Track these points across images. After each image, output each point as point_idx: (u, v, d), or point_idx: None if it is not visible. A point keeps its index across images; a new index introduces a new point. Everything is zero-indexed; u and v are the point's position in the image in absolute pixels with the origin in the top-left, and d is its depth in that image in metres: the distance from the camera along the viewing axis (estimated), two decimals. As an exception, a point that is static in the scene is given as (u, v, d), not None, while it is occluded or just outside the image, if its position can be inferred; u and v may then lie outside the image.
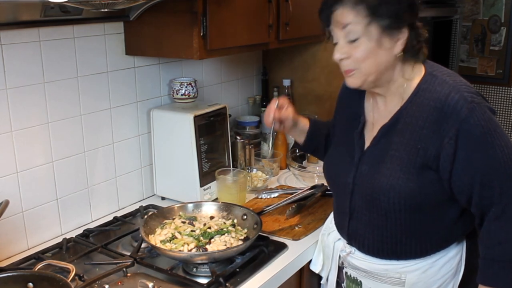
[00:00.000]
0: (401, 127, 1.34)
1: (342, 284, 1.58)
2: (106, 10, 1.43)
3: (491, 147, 1.25)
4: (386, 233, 1.39)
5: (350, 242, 1.49)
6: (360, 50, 1.28)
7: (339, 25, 1.29)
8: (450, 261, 1.41)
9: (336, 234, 1.55)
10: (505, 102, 4.01)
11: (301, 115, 1.67)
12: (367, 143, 1.42)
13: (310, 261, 1.67)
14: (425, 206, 1.33)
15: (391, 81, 1.35)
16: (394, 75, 1.34)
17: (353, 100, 1.49)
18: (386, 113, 1.38)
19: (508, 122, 4.03)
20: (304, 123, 1.66)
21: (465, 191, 1.30)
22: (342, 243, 1.52)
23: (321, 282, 1.66)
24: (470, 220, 1.41)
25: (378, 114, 1.42)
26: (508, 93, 3.99)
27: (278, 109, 1.54)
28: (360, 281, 1.50)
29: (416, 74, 1.35)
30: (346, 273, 1.55)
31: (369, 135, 1.43)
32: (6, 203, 1.37)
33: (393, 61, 1.31)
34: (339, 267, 1.57)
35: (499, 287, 1.30)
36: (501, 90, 4.01)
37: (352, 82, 1.35)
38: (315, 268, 1.64)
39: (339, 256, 1.54)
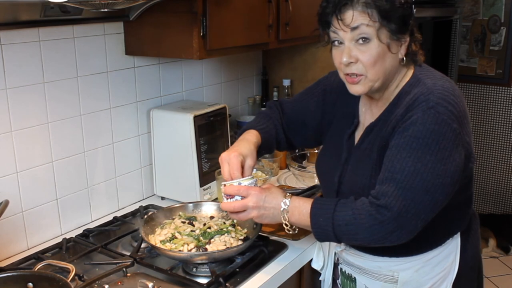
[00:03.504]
0: (379, 128, 1.36)
1: (337, 281, 1.60)
2: (106, 10, 1.43)
3: (409, 151, 1.23)
4: None
5: None
6: (369, 54, 1.26)
7: (346, 27, 1.26)
8: (444, 260, 1.41)
9: None
10: (505, 102, 4.01)
11: (245, 134, 1.56)
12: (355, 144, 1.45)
13: (310, 261, 1.67)
14: None
15: (389, 86, 1.36)
16: (395, 80, 1.36)
17: (349, 100, 1.49)
18: (376, 116, 1.40)
19: (508, 122, 4.03)
20: (257, 140, 1.54)
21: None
22: None
23: (320, 278, 1.67)
24: (462, 218, 1.41)
25: (370, 116, 1.43)
26: (508, 93, 3.99)
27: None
28: (355, 278, 1.51)
29: (404, 77, 1.36)
30: (341, 269, 1.56)
31: (358, 136, 1.45)
32: (6, 203, 1.37)
33: (398, 65, 1.33)
34: (334, 263, 1.59)
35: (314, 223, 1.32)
36: (501, 90, 4.01)
37: (358, 89, 1.33)
38: (317, 265, 1.65)
39: (335, 252, 1.56)
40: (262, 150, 1.58)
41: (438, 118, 1.22)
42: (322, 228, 1.31)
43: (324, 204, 1.33)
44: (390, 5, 1.25)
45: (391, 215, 1.22)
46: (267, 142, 1.59)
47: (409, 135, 1.24)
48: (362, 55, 1.27)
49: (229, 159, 1.41)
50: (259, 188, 1.39)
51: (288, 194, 1.39)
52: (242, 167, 1.42)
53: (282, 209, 1.36)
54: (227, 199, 1.40)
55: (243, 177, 1.41)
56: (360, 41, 1.26)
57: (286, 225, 1.39)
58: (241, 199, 1.38)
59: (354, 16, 1.25)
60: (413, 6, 1.33)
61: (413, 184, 1.22)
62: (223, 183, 1.42)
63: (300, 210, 1.35)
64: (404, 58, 1.32)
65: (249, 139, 1.51)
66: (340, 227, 1.28)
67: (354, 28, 1.26)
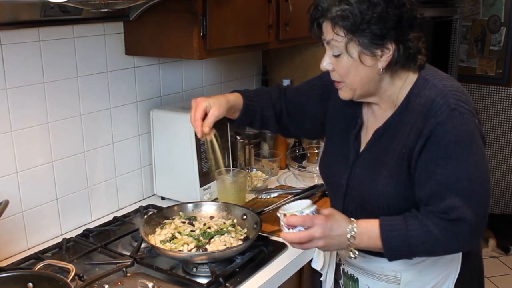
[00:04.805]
0: (392, 133, 1.35)
1: (340, 281, 1.59)
2: (106, 10, 1.43)
3: (456, 159, 1.24)
4: None
5: None
6: (340, 66, 1.31)
7: (324, 39, 1.32)
8: (446, 260, 1.41)
9: None
10: (505, 102, 4.01)
11: (230, 93, 1.58)
12: (362, 146, 1.43)
13: (310, 261, 1.67)
14: (417, 208, 1.33)
15: (381, 91, 1.35)
16: (382, 86, 1.34)
17: (352, 100, 1.49)
18: (381, 118, 1.39)
19: (508, 122, 4.03)
20: (235, 101, 1.55)
21: (422, 189, 1.29)
22: None
23: (321, 279, 1.67)
24: None
25: (374, 118, 1.42)
26: (508, 93, 3.99)
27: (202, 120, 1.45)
28: (357, 278, 1.50)
29: (409, 79, 1.34)
30: (343, 269, 1.56)
31: (364, 139, 1.43)
32: (6, 203, 1.37)
33: (378, 76, 1.31)
34: (336, 264, 1.58)
35: (391, 255, 1.31)
36: (501, 90, 4.01)
37: (343, 95, 1.38)
38: (317, 266, 1.64)
39: (337, 253, 1.55)
40: (242, 117, 1.58)
41: (463, 118, 1.24)
42: (398, 250, 1.30)
43: (393, 225, 1.30)
44: (357, 21, 1.23)
45: (468, 225, 1.24)
46: (248, 110, 1.58)
47: (447, 143, 1.24)
48: (336, 66, 1.33)
49: (196, 104, 1.46)
50: (323, 217, 1.33)
51: (352, 219, 1.34)
52: (206, 114, 1.45)
53: (349, 236, 1.31)
54: (289, 229, 1.32)
55: (203, 120, 1.43)
56: (333, 53, 1.31)
57: (351, 250, 1.34)
58: (305, 229, 1.32)
59: (327, 30, 1.29)
60: (405, 16, 1.27)
61: (473, 189, 1.24)
62: (282, 212, 1.34)
63: (369, 234, 1.31)
64: (383, 70, 1.30)
65: (226, 95, 1.54)
66: (417, 247, 1.28)
67: (328, 42, 1.31)
